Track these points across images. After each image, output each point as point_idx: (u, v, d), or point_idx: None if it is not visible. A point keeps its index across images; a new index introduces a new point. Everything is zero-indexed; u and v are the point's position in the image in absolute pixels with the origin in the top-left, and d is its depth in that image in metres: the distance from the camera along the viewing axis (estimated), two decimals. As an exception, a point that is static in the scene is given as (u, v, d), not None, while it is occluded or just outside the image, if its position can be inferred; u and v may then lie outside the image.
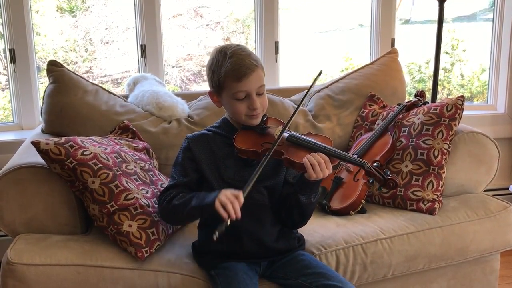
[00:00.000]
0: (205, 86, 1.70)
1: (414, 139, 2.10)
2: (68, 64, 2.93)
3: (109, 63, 3.09)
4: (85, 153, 1.73)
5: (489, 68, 3.25)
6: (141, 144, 2.05)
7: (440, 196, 2.04)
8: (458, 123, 2.11)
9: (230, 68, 1.55)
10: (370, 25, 3.05)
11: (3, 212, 1.74)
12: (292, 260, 1.68)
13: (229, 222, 1.42)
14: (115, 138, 2.01)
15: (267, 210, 1.65)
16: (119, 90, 3.03)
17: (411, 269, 1.91)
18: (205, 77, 1.67)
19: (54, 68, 2.21)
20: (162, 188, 1.80)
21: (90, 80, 2.34)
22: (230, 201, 1.43)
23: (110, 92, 2.32)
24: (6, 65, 2.67)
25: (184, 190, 1.59)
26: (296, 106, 2.43)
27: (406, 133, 2.14)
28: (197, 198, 1.53)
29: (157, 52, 2.76)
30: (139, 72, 2.80)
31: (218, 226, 1.41)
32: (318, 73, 1.63)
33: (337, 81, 2.55)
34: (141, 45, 2.75)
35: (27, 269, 1.60)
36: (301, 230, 1.78)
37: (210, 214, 1.47)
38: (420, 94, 2.34)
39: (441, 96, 3.39)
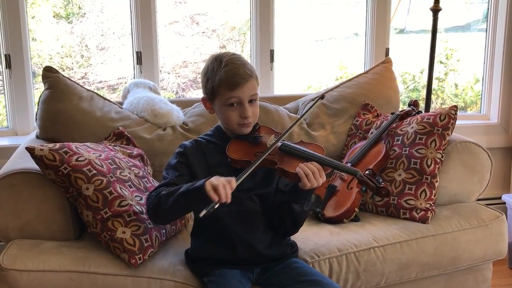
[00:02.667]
0: (201, 93, 1.71)
1: (408, 148, 2.11)
2: (63, 70, 2.94)
3: (104, 69, 3.09)
4: (79, 159, 1.73)
5: (483, 78, 3.27)
6: (135, 151, 2.05)
7: (433, 205, 2.05)
8: (451, 133, 2.12)
9: (224, 77, 1.56)
10: (364, 34, 3.07)
11: (-4, 217, 1.74)
12: (287, 267, 1.68)
13: (217, 205, 1.37)
14: (109, 145, 2.01)
15: (259, 217, 1.66)
16: (115, 96, 3.03)
17: (404, 277, 1.91)
18: (201, 84, 1.68)
19: (49, 74, 2.22)
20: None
21: (86, 86, 2.34)
22: (222, 184, 1.39)
23: (105, 99, 2.32)
24: (1, 70, 2.66)
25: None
26: (293, 115, 2.45)
27: (399, 142, 2.15)
28: (186, 186, 1.48)
29: (153, 59, 2.76)
30: (134, 78, 2.80)
31: (206, 207, 1.37)
32: (320, 97, 1.72)
33: (331, 89, 2.57)
34: (136, 52, 2.75)
35: (19, 275, 1.60)
36: (294, 238, 1.78)
37: (199, 200, 1.41)
38: (413, 104, 2.36)
39: (435, 105, 3.40)
